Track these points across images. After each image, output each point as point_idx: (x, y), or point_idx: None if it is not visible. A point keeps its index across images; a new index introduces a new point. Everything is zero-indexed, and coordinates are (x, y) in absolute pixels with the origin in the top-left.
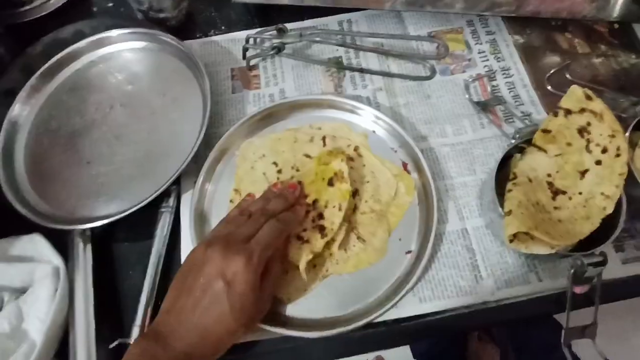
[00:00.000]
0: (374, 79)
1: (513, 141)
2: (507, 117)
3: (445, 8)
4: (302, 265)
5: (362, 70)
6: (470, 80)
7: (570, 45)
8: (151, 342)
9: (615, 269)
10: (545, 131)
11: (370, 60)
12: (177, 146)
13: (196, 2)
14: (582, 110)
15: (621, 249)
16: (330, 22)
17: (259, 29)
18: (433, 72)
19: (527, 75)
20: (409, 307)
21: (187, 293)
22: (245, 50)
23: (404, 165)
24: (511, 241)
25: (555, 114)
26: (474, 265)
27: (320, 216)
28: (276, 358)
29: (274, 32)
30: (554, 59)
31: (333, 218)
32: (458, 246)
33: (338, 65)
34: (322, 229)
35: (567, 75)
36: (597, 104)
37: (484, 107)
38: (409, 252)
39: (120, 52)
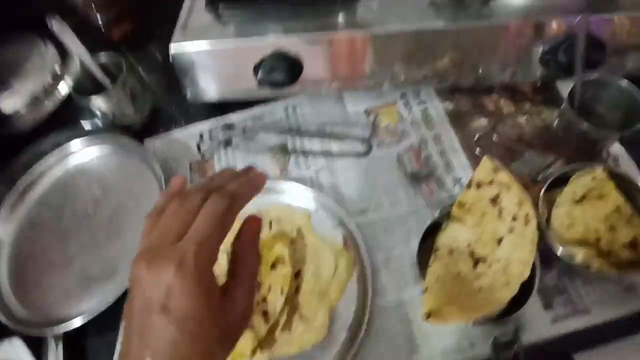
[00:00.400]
0: (316, 160)
1: (436, 215)
2: (439, 185)
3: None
4: (247, 351)
5: (304, 153)
6: (403, 152)
7: (496, 107)
8: None
9: (546, 329)
10: (461, 204)
11: (313, 143)
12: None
13: (159, 101)
14: (491, 182)
15: (550, 307)
16: (277, 107)
17: (210, 126)
18: (369, 147)
19: (457, 141)
20: None
21: (131, 333)
22: (198, 145)
23: (345, 241)
24: (427, 318)
25: (469, 187)
26: (411, 337)
27: (264, 300)
28: None
29: (223, 127)
30: (481, 121)
31: (276, 302)
32: (395, 318)
33: (283, 151)
34: (265, 314)
35: (494, 137)
36: (504, 175)
37: (417, 177)
38: (348, 328)
39: (90, 159)
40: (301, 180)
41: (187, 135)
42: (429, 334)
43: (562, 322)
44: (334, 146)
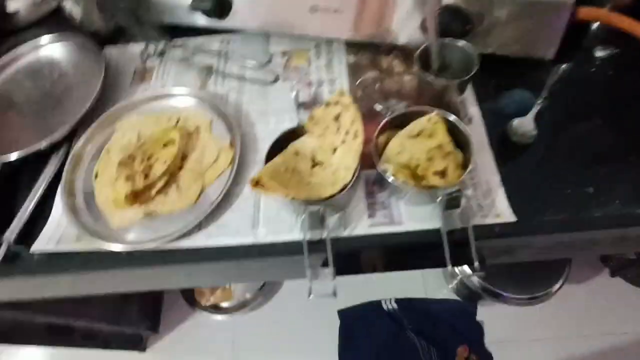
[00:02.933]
0: (232, 82)
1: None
2: None
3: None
4: (122, 195)
5: (224, 74)
6: (301, 86)
7: (388, 65)
8: None
9: (364, 228)
10: (312, 118)
11: (233, 68)
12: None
13: (124, 19)
14: (337, 103)
15: (373, 216)
16: (214, 39)
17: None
18: (277, 79)
19: (347, 85)
20: (199, 240)
21: None
22: (141, 53)
23: (231, 143)
24: (254, 185)
25: (319, 106)
26: (255, 217)
27: (150, 167)
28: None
29: (164, 43)
30: (372, 74)
31: (157, 169)
32: (249, 202)
33: (208, 70)
34: (147, 175)
35: (376, 87)
36: (345, 98)
37: (303, 105)
38: (212, 203)
39: (56, 52)
40: (215, 95)
41: (139, 49)
42: (271, 217)
43: (377, 227)
44: (249, 73)
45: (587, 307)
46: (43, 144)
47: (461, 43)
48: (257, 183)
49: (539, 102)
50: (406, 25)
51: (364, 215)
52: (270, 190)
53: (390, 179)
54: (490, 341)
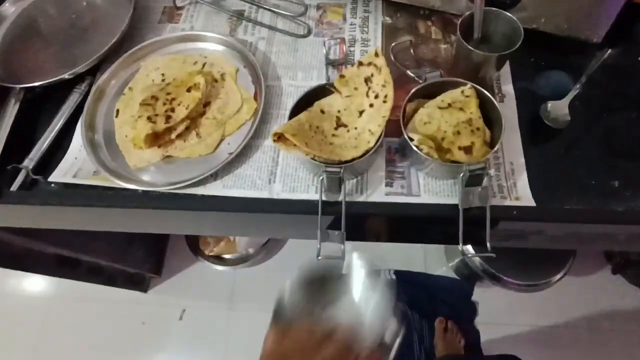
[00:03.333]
0: (262, 31)
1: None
2: None
3: None
4: (142, 135)
5: (255, 22)
6: (334, 43)
7: (426, 31)
8: None
9: (380, 196)
10: (342, 77)
11: (265, 17)
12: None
13: None
14: (370, 64)
15: (391, 185)
16: None
17: None
18: (309, 32)
19: (382, 48)
20: (214, 189)
21: None
22: None
23: (255, 94)
24: (275, 141)
25: (352, 65)
26: (273, 172)
27: (172, 110)
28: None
29: None
30: (408, 38)
31: (179, 113)
32: (267, 156)
33: (239, 15)
34: (168, 118)
35: (412, 52)
36: (380, 60)
37: (333, 64)
38: (230, 153)
39: None
40: (243, 42)
41: None
42: (287, 174)
43: (394, 197)
44: (280, 23)
45: (582, 301)
46: (66, 75)
47: (508, 15)
48: (279, 137)
49: (577, 86)
50: None
51: (381, 182)
52: (292, 147)
53: (415, 149)
54: (480, 321)
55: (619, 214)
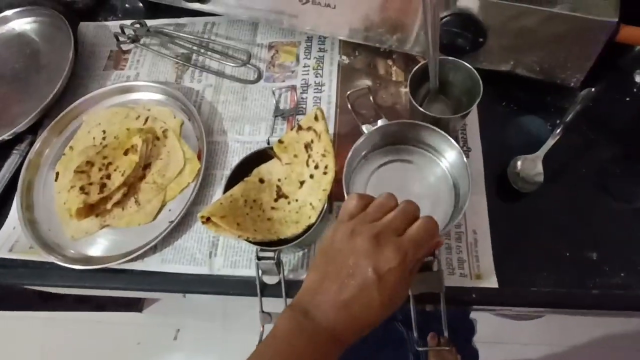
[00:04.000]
0: (209, 77)
1: (267, 145)
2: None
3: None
4: (73, 209)
5: (202, 68)
6: (285, 90)
7: (386, 72)
8: (299, 316)
9: None
10: (281, 142)
11: (213, 61)
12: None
13: None
14: (309, 129)
15: None
16: (199, 21)
17: (132, 21)
18: (259, 77)
19: (336, 94)
20: (153, 263)
21: (334, 276)
22: (116, 36)
23: (199, 153)
24: (204, 222)
25: (291, 129)
26: (214, 244)
27: (109, 177)
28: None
29: (138, 25)
30: (366, 82)
31: (115, 180)
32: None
33: (185, 61)
34: (103, 187)
35: (370, 98)
36: (319, 125)
37: (283, 114)
38: (171, 221)
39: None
40: (189, 91)
41: (117, 28)
42: (229, 247)
43: None
44: (228, 69)
45: (585, 321)
46: (5, 135)
47: (467, 66)
48: (207, 220)
49: (554, 134)
50: (409, 30)
51: None
52: (221, 230)
53: None
54: (478, 340)
55: (594, 297)
